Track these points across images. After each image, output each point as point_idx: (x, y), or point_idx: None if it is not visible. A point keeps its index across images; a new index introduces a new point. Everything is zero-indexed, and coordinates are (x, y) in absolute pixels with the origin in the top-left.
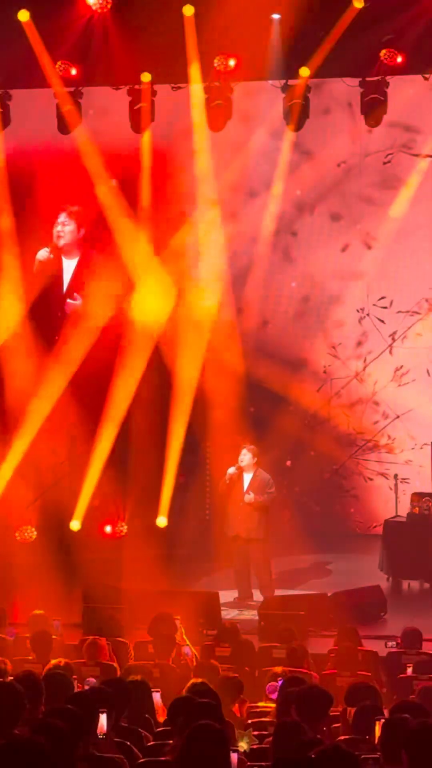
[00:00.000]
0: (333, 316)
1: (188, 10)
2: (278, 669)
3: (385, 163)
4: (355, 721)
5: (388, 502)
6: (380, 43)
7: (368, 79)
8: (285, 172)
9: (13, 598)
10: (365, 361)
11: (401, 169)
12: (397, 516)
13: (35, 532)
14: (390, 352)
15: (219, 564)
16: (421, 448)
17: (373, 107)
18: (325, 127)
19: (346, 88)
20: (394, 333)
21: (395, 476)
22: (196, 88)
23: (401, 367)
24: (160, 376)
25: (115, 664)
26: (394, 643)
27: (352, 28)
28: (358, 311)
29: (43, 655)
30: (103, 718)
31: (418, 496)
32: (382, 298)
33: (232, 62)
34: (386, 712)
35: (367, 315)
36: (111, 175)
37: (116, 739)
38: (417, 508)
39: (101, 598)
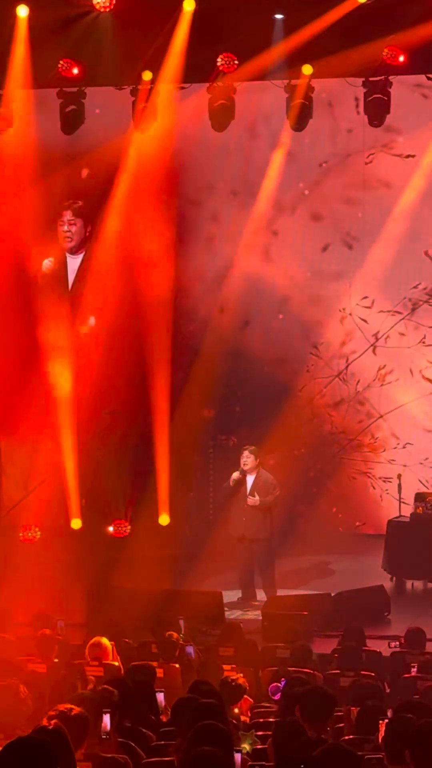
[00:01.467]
0: (314, 315)
1: (188, 5)
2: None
3: (366, 164)
4: (359, 721)
5: (370, 501)
6: (383, 43)
7: (371, 78)
8: (266, 172)
9: (17, 598)
10: (347, 360)
11: (382, 169)
12: (400, 516)
13: (39, 532)
14: (374, 352)
15: (222, 564)
16: (404, 447)
17: (376, 107)
18: (306, 127)
19: (326, 88)
20: (377, 333)
21: (398, 476)
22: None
23: (384, 366)
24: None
25: (119, 665)
26: (398, 643)
27: (355, 28)
28: (340, 311)
29: (47, 655)
30: (106, 719)
31: (421, 496)
32: (365, 297)
33: (235, 62)
34: (390, 713)
35: (350, 315)
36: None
37: (120, 740)
38: (421, 508)
39: (105, 598)
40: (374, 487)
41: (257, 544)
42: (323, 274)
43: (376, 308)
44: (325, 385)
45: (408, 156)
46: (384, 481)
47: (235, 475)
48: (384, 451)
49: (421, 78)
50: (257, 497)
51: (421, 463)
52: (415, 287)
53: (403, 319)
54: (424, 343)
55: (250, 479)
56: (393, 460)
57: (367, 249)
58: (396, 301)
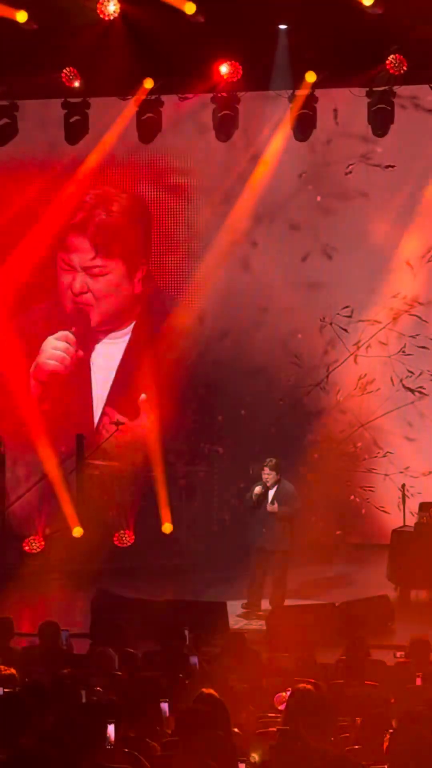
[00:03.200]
0: (295, 325)
1: (189, 8)
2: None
3: (346, 174)
4: (363, 732)
5: (349, 510)
6: (387, 53)
7: (375, 89)
8: (244, 182)
9: (21, 608)
10: (328, 369)
11: (361, 179)
12: (404, 526)
13: (42, 543)
14: (355, 361)
15: (227, 574)
16: (384, 456)
17: (380, 117)
18: (284, 137)
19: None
20: (358, 342)
21: (402, 486)
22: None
23: (365, 375)
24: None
25: (123, 675)
26: (402, 653)
27: (360, 38)
28: (320, 320)
29: (52, 665)
30: (111, 729)
31: (426, 506)
32: (346, 307)
33: (238, 72)
34: (394, 723)
35: (330, 324)
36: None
37: (124, 750)
38: (425, 518)
39: (109, 608)
40: (355, 497)
41: (275, 556)
42: (303, 284)
43: (356, 317)
44: (304, 394)
45: (388, 166)
46: (363, 490)
47: (257, 489)
48: (365, 459)
49: (399, 89)
50: (276, 505)
51: (401, 472)
52: (395, 297)
53: (383, 328)
54: (404, 352)
55: (271, 492)
56: (373, 469)
57: (347, 259)
58: (376, 310)
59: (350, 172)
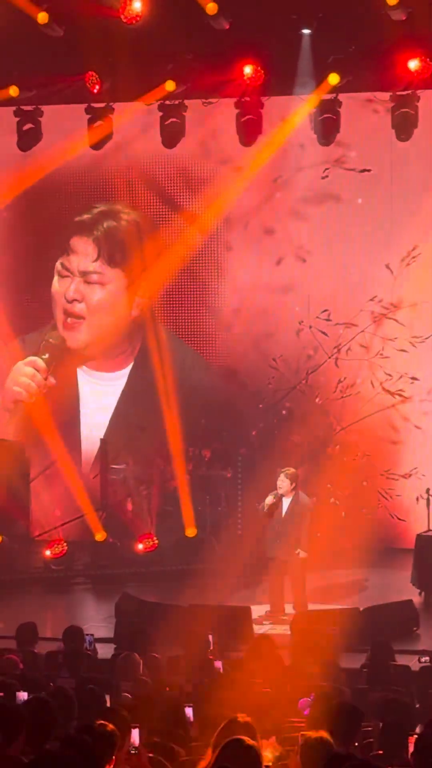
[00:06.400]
0: (272, 329)
1: (211, 9)
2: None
3: (323, 178)
4: (388, 737)
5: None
6: (410, 57)
7: (398, 93)
8: (218, 186)
9: (45, 613)
10: (307, 373)
11: (335, 183)
12: (429, 530)
13: (66, 547)
14: (336, 364)
15: (251, 579)
16: (363, 458)
17: (404, 121)
18: (259, 141)
19: (278, 104)
20: (339, 345)
21: (427, 490)
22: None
23: (345, 378)
24: None
25: (148, 679)
26: (427, 658)
27: (383, 43)
28: (299, 323)
29: (76, 670)
30: (135, 733)
31: None
32: (325, 310)
33: (262, 77)
34: (419, 728)
35: (310, 327)
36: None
37: (149, 755)
38: None
39: (134, 612)
40: (336, 501)
41: (289, 564)
42: (278, 288)
43: (334, 321)
44: (282, 397)
45: (363, 170)
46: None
47: (269, 499)
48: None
49: (373, 94)
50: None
51: (382, 475)
52: (372, 300)
53: (362, 331)
54: (381, 355)
55: (286, 502)
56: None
57: (323, 262)
58: (352, 314)
59: (327, 177)
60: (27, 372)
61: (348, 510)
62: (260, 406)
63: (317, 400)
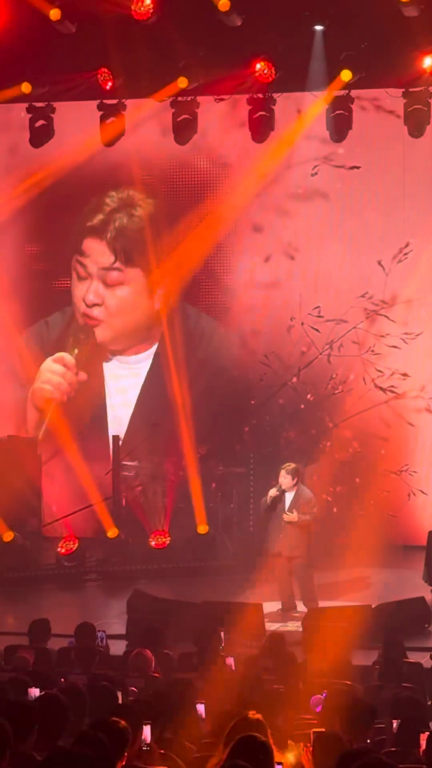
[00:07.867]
0: (264, 326)
1: (224, 5)
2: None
3: (312, 175)
4: (400, 734)
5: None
6: (423, 53)
7: (411, 89)
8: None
9: (58, 609)
10: (299, 370)
11: (323, 180)
12: None
13: (77, 544)
14: (328, 361)
15: (263, 575)
16: (355, 454)
17: (417, 118)
18: (246, 139)
19: (264, 100)
20: (331, 341)
21: None
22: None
23: (336, 375)
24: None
25: (160, 676)
26: None
27: (396, 39)
28: (291, 320)
29: (88, 666)
30: (147, 730)
31: None
32: (317, 307)
33: (274, 73)
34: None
35: (302, 324)
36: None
37: (161, 751)
38: None
39: (146, 609)
40: (328, 497)
41: (295, 561)
42: (268, 285)
43: (326, 317)
44: (273, 393)
45: (353, 167)
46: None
47: (272, 492)
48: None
49: (360, 91)
50: (295, 514)
51: (374, 471)
52: (363, 296)
53: (354, 328)
54: (373, 351)
55: (289, 496)
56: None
57: (313, 259)
58: (341, 310)
59: (316, 174)
60: (57, 369)
61: (340, 506)
62: (252, 403)
63: (309, 396)
